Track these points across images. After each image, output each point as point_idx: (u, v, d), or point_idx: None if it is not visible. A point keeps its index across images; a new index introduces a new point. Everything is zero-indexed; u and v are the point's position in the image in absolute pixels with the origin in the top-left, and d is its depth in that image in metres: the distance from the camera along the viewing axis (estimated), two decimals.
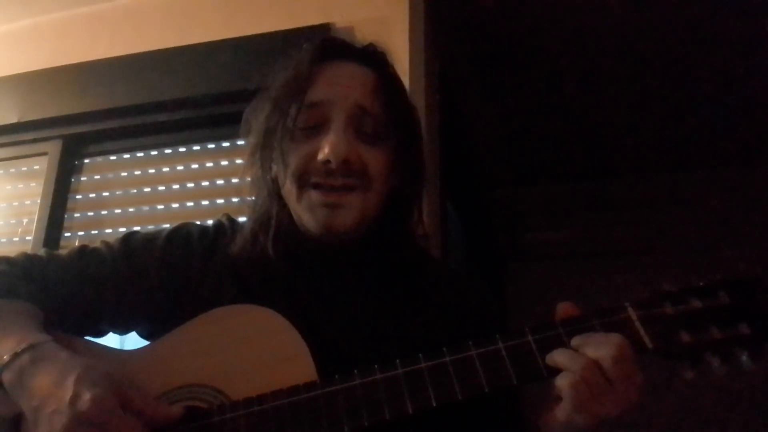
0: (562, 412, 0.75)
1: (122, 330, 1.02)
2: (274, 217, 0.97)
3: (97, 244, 1.02)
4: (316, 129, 0.93)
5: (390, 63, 1.03)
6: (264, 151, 0.99)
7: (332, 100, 0.93)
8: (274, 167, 0.98)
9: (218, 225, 1.06)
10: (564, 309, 0.81)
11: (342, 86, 0.95)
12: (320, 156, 0.91)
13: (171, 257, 0.99)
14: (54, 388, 0.77)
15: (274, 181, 0.99)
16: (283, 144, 0.94)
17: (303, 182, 0.93)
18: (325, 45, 1.00)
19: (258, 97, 1.04)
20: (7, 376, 0.81)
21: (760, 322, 0.75)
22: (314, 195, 0.92)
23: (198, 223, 1.07)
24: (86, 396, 0.75)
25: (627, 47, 2.60)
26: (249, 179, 1.03)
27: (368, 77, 0.97)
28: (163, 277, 0.97)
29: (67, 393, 0.76)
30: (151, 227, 1.97)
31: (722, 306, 0.77)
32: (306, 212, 0.94)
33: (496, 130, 3.21)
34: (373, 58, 1.01)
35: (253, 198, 1.03)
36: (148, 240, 1.01)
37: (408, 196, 1.02)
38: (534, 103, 2.99)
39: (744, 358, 0.74)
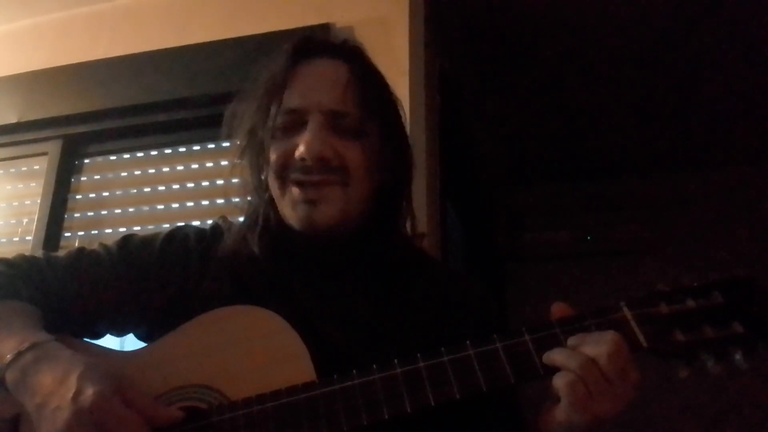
0: (560, 412, 0.76)
1: (120, 332, 1.03)
2: (261, 214, 0.99)
3: (95, 246, 1.02)
4: (294, 128, 0.96)
5: (365, 56, 1.04)
6: (250, 150, 1.01)
7: (307, 106, 0.95)
8: (264, 167, 1.00)
9: (215, 227, 1.06)
10: (558, 309, 0.82)
11: (318, 88, 0.97)
12: (297, 154, 0.93)
13: (168, 259, 0.99)
14: (57, 385, 0.78)
15: (263, 180, 1.00)
16: (265, 143, 0.97)
17: (283, 178, 0.96)
18: (299, 45, 1.01)
19: (238, 98, 1.06)
20: (11, 375, 0.82)
21: (753, 322, 0.76)
22: (294, 191, 0.94)
23: (195, 225, 1.08)
24: (89, 392, 0.76)
25: (627, 47, 2.60)
26: (238, 180, 1.05)
27: (341, 73, 0.98)
28: (161, 279, 0.98)
29: (70, 390, 0.77)
30: (151, 227, 1.97)
31: (716, 306, 0.78)
32: (288, 209, 0.96)
33: (496, 130, 3.21)
34: (346, 52, 1.03)
35: (247, 198, 1.04)
36: (146, 242, 1.02)
37: (395, 190, 1.03)
38: (534, 103, 2.99)
39: (737, 356, 0.75)
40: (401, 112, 1.07)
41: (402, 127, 1.06)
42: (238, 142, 1.04)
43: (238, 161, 1.04)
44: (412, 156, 1.07)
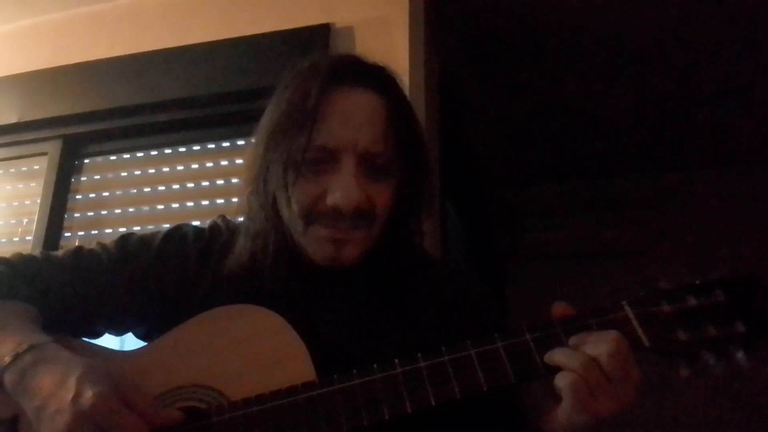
0: (562, 412, 0.75)
1: (119, 331, 1.03)
2: (272, 241, 0.95)
3: (93, 245, 1.02)
4: (324, 166, 0.90)
5: (399, 88, 0.99)
6: (265, 177, 0.96)
7: (341, 145, 0.89)
8: (273, 187, 0.95)
9: (213, 226, 1.06)
10: (559, 309, 0.81)
11: (352, 124, 0.90)
12: (330, 200, 0.89)
13: (167, 258, 0.99)
14: (56, 387, 0.78)
15: (273, 203, 0.96)
16: (286, 174, 0.91)
17: (310, 220, 0.91)
18: (333, 69, 0.94)
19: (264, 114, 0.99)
20: (9, 377, 0.81)
21: (755, 320, 0.75)
22: (322, 231, 0.91)
23: (193, 224, 1.07)
24: (88, 394, 0.75)
25: (627, 47, 2.60)
26: (245, 197, 1.00)
27: (379, 108, 0.93)
28: (160, 279, 0.97)
29: (70, 392, 0.76)
30: (151, 227, 1.97)
31: (718, 304, 0.77)
32: (312, 245, 0.93)
33: (496, 130, 3.21)
34: (382, 83, 0.96)
35: (247, 207, 1.00)
36: (144, 241, 1.01)
37: (411, 215, 1.00)
38: (534, 102, 2.99)
39: (739, 355, 0.75)
40: (426, 144, 1.03)
41: (428, 160, 1.02)
42: (252, 167, 0.98)
43: (249, 185, 0.98)
44: (433, 186, 1.03)
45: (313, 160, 0.90)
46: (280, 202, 0.95)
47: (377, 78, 0.96)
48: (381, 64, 0.99)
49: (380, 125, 0.92)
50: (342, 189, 0.88)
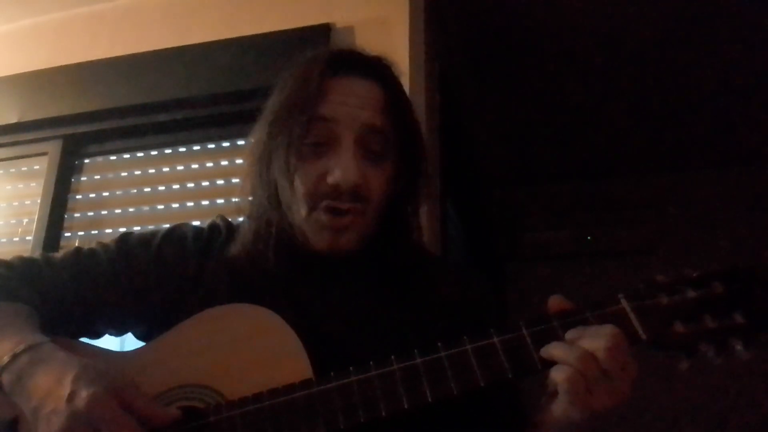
0: (558, 406, 0.75)
1: (119, 331, 1.03)
2: (275, 225, 0.96)
3: (93, 245, 1.02)
4: (324, 146, 0.93)
5: (397, 77, 1.02)
6: (267, 161, 0.97)
7: (341, 118, 0.93)
8: (276, 174, 0.96)
9: (213, 225, 1.06)
10: (555, 302, 0.81)
11: (352, 105, 0.94)
12: (330, 179, 0.91)
13: (167, 258, 0.99)
14: (52, 387, 0.78)
15: (275, 189, 0.97)
16: (289, 158, 0.93)
17: (313, 204, 0.93)
18: (334, 58, 0.98)
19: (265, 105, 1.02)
20: (6, 378, 0.81)
21: (754, 311, 0.75)
22: (324, 217, 0.92)
23: (192, 224, 1.07)
24: (83, 394, 0.75)
25: (627, 47, 2.60)
26: (246, 183, 1.02)
27: (377, 94, 0.96)
28: (159, 278, 0.97)
29: (65, 392, 0.76)
30: (151, 227, 1.97)
31: (716, 295, 0.76)
32: (313, 231, 0.94)
33: (496, 130, 3.21)
34: (382, 72, 1.00)
35: (250, 199, 1.01)
36: (144, 241, 1.01)
37: (407, 205, 1.01)
38: (534, 103, 2.99)
39: (738, 347, 0.74)
40: (422, 134, 1.05)
41: (424, 149, 1.04)
42: (254, 151, 1.00)
43: (252, 169, 1.00)
44: (428, 175, 1.05)
45: (314, 138, 0.93)
46: (282, 189, 0.96)
47: (375, 68, 1.00)
48: (379, 55, 1.02)
49: (378, 108, 0.95)
50: (342, 168, 0.91)
